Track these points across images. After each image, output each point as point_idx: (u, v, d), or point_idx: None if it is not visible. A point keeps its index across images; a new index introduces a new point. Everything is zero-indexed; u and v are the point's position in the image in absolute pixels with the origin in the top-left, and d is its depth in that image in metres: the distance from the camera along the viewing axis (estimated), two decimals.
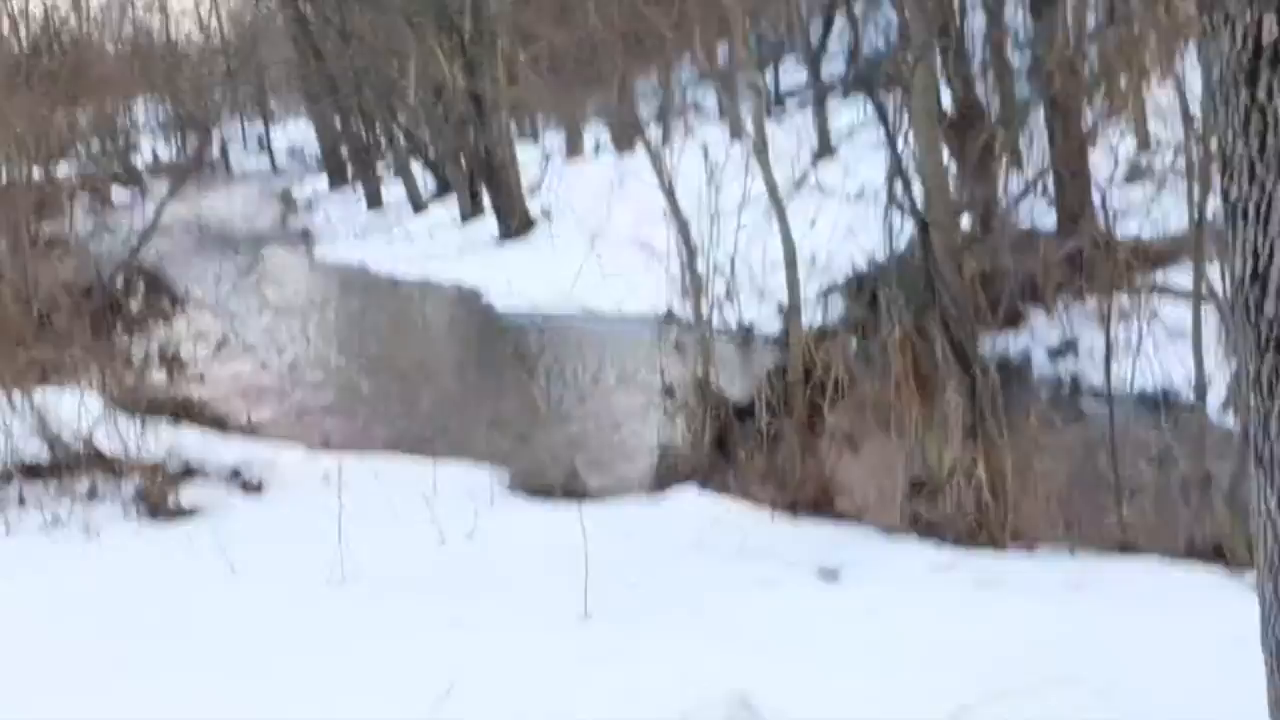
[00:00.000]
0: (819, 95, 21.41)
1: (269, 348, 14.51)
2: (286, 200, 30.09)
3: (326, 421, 11.20)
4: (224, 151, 37.22)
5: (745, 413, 8.61)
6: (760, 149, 8.47)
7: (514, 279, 19.09)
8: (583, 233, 19.45)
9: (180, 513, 7.44)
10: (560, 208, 22.62)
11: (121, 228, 14.75)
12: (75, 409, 8.37)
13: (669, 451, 8.29)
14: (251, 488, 8.06)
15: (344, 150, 30.96)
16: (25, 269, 10.91)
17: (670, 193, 8.63)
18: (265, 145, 38.92)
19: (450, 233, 24.54)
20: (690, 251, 8.56)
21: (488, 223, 24.10)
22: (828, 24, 26.23)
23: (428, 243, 24.07)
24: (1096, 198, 9.86)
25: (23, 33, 17.04)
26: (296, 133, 38.18)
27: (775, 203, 8.46)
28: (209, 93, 28.84)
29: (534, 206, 23.66)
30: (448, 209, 26.17)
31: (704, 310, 8.67)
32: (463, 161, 25.39)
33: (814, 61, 23.09)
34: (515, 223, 23.33)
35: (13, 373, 8.36)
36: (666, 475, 8.15)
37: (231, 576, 6.23)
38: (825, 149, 19.86)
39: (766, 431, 8.26)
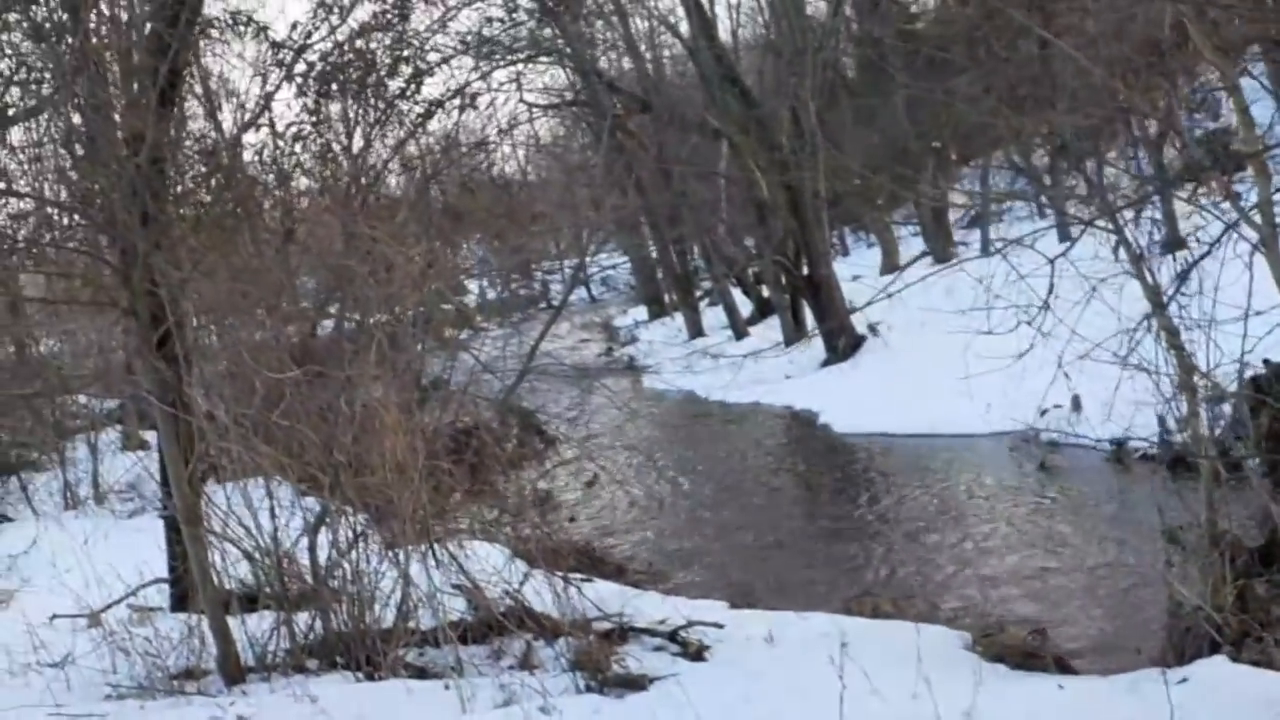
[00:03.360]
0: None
1: (635, 484, 13.93)
2: (609, 331, 30.20)
3: (724, 569, 10.35)
4: (544, 284, 38.03)
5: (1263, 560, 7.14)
6: (1271, 242, 7.13)
7: (852, 400, 18.05)
8: (917, 350, 18.27)
9: (629, 683, 6.59)
10: (887, 324, 21.46)
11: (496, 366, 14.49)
12: (486, 562, 7.76)
13: (1182, 611, 6.89)
14: (694, 653, 7.15)
15: (660, 278, 30.90)
16: (413, 413, 10.41)
17: (1156, 293, 7.34)
18: (581, 276, 39.52)
19: (775, 356, 23.79)
20: (1186, 369, 7.24)
21: (813, 344, 23.20)
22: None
23: (753, 368, 23.35)
24: None
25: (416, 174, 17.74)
26: (607, 261, 38.66)
27: None
28: (531, 227, 29.37)
29: (857, 323, 22.59)
30: (769, 332, 25.51)
31: (1203, 434, 7.30)
32: (783, 281, 24.69)
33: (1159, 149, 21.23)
34: (843, 343, 22.33)
35: (439, 524, 7.79)
36: (1184, 641, 6.75)
37: None
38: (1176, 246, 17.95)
39: None
